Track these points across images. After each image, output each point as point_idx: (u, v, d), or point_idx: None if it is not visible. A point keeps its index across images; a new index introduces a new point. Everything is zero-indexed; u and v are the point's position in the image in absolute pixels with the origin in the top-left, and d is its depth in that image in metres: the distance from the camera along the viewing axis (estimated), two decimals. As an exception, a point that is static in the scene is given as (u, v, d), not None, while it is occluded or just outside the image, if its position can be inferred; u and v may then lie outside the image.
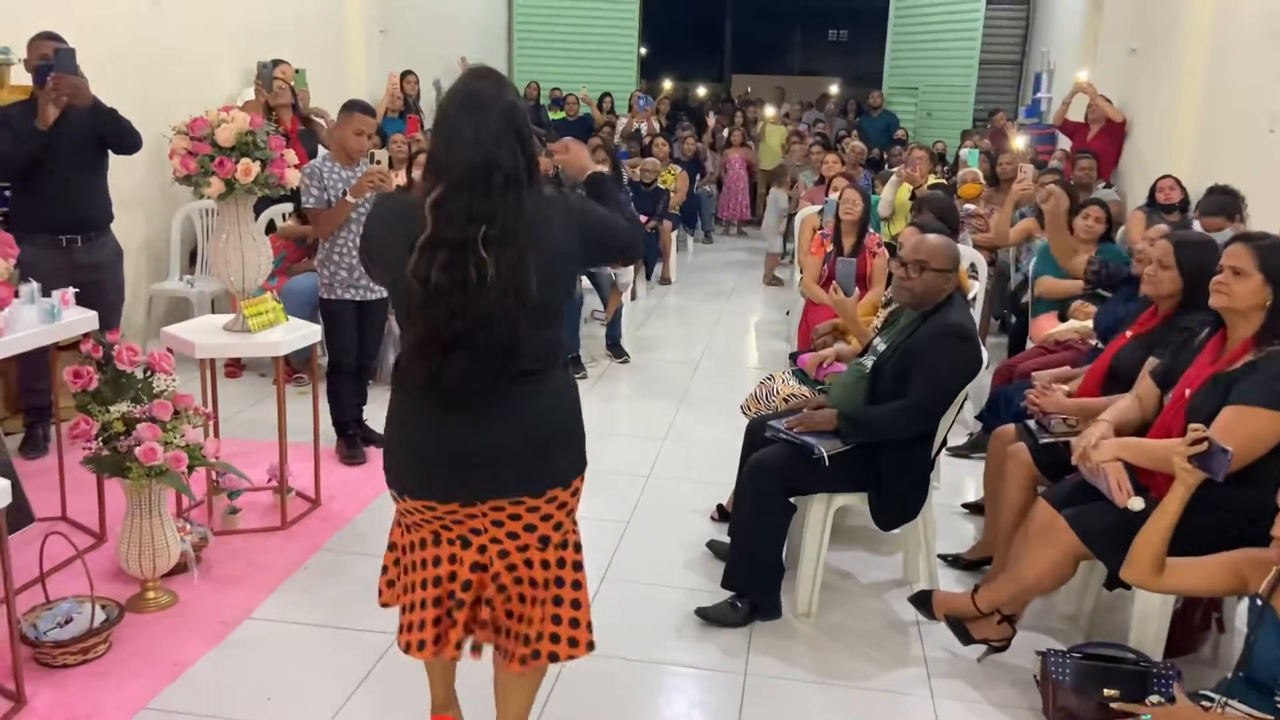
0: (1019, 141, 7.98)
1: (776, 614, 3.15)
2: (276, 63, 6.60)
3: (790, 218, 9.39)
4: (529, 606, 2.10)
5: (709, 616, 3.11)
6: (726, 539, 3.52)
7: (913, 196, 6.59)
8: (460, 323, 1.83)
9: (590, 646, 2.16)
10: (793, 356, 4.29)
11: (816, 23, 23.00)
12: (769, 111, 12.42)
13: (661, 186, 8.46)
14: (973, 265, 5.30)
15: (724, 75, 22.50)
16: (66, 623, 2.79)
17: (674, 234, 8.94)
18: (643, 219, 6.44)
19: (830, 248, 5.17)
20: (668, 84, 13.81)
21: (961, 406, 3.34)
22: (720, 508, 3.87)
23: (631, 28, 13.32)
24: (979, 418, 4.54)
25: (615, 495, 4.09)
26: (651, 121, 11.27)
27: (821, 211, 6.03)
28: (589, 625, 2.16)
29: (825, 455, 2.99)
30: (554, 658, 2.11)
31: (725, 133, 11.87)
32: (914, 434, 3.07)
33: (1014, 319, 5.93)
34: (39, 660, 2.71)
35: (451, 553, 2.07)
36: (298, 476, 3.89)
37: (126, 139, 4.06)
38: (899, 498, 3.12)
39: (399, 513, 2.14)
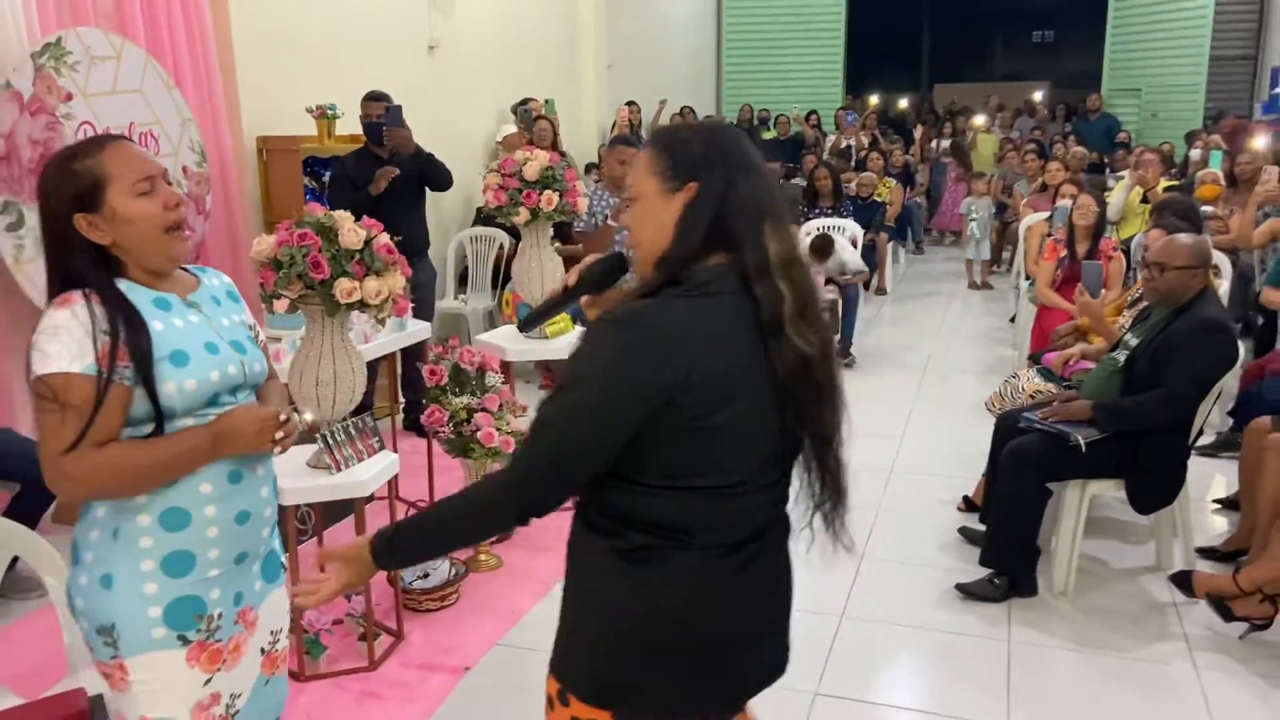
0: (1259, 141, 7.71)
1: (1033, 591, 3.39)
2: (524, 101, 7.36)
3: (1006, 225, 9.43)
4: None
5: (969, 591, 3.39)
6: (976, 526, 3.79)
7: (1144, 200, 6.57)
8: (818, 419, 1.48)
9: None
10: (1033, 358, 4.48)
11: (1018, 25, 22.38)
12: (978, 120, 12.35)
13: (878, 199, 8.70)
14: (1216, 267, 5.27)
15: (922, 86, 22.25)
16: (424, 576, 3.40)
17: (889, 246, 9.14)
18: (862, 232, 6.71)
19: (1064, 253, 5.29)
20: (874, 99, 13.91)
21: (1215, 402, 3.46)
22: (966, 498, 4.11)
23: (837, 44, 13.59)
24: (1231, 414, 4.57)
25: (860, 487, 4.37)
26: (859, 137, 11.48)
27: (1050, 218, 6.12)
28: None
29: (1082, 443, 3.22)
30: None
31: (934, 144, 11.91)
32: (1171, 423, 3.24)
33: (1260, 320, 5.82)
34: (406, 605, 3.32)
35: None
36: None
37: (442, 178, 4.78)
38: (1159, 482, 3.30)
39: None
